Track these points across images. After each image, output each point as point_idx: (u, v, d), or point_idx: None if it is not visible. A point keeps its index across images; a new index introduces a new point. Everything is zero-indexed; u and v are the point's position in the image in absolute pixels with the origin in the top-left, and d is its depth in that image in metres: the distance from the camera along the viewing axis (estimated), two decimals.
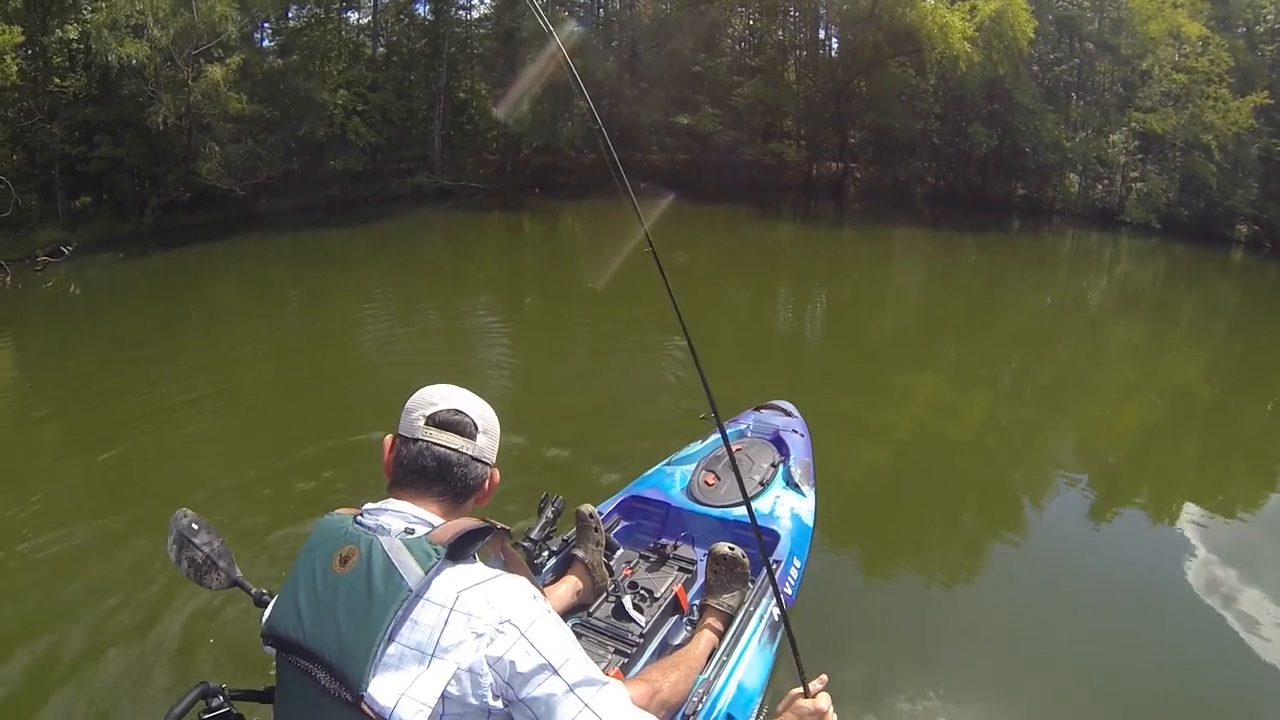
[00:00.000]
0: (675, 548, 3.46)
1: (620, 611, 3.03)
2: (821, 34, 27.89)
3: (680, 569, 3.35)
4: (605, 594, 3.16)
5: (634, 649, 2.90)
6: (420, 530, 1.58)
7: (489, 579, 1.54)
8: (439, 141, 23.00)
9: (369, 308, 11.37)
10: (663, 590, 3.19)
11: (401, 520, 1.60)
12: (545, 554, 3.25)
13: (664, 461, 4.28)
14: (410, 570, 1.48)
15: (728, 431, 4.19)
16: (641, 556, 3.46)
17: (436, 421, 1.69)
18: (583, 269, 14.70)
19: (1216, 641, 4.30)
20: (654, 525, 3.84)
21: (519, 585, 1.56)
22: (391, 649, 1.45)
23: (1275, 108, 22.72)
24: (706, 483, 3.94)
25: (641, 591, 3.15)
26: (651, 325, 10.05)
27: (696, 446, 4.42)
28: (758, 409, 4.92)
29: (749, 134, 25.54)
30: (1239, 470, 7.16)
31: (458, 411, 1.71)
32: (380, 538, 1.55)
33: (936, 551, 5.15)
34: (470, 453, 1.69)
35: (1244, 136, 22.87)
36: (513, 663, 1.44)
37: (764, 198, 23.52)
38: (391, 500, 1.67)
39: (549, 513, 3.26)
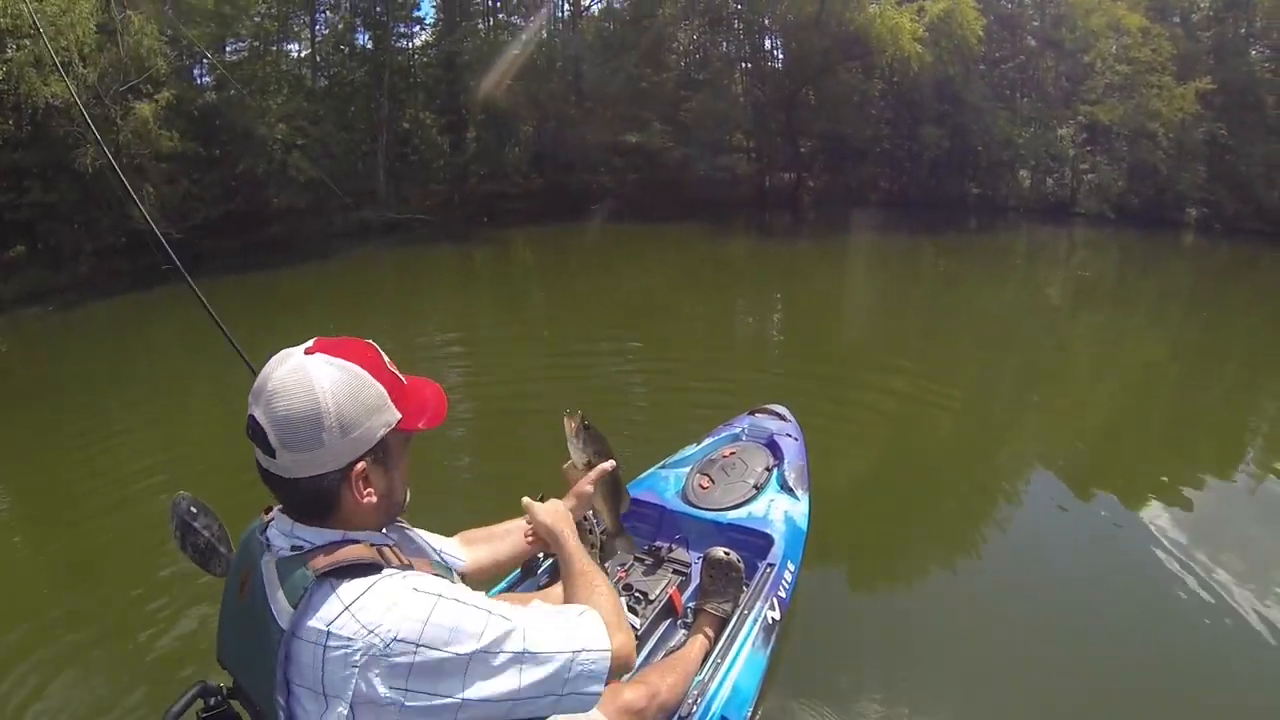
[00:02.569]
0: (670, 550, 3.48)
1: None
2: (768, 44, 27.87)
3: (675, 572, 3.36)
4: None
5: None
6: (305, 547, 1.43)
7: (360, 594, 1.35)
8: (383, 174, 22.43)
9: None
10: (657, 593, 3.20)
11: (282, 536, 1.46)
12: (540, 556, 3.14)
13: (658, 465, 4.32)
14: (281, 607, 1.36)
15: (721, 435, 4.59)
16: (636, 559, 3.44)
17: (247, 426, 1.42)
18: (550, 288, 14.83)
19: (1205, 626, 4.29)
20: (648, 528, 3.83)
21: (394, 587, 1.38)
22: (294, 690, 1.34)
23: (1217, 92, 23.35)
24: (701, 486, 3.98)
25: (636, 594, 3.17)
26: (640, 336, 10.53)
27: (691, 449, 4.46)
28: (752, 413, 4.89)
29: (699, 149, 25.21)
30: (1207, 448, 7.29)
31: (251, 418, 1.40)
32: (264, 559, 1.45)
33: (933, 552, 5.11)
34: (277, 472, 1.43)
35: (1188, 122, 23.46)
36: (426, 674, 1.33)
37: (718, 213, 23.31)
38: (278, 511, 1.51)
39: None
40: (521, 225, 22.02)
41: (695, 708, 2.59)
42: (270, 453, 1.39)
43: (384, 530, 1.58)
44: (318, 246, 18.45)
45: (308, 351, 1.43)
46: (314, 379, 1.38)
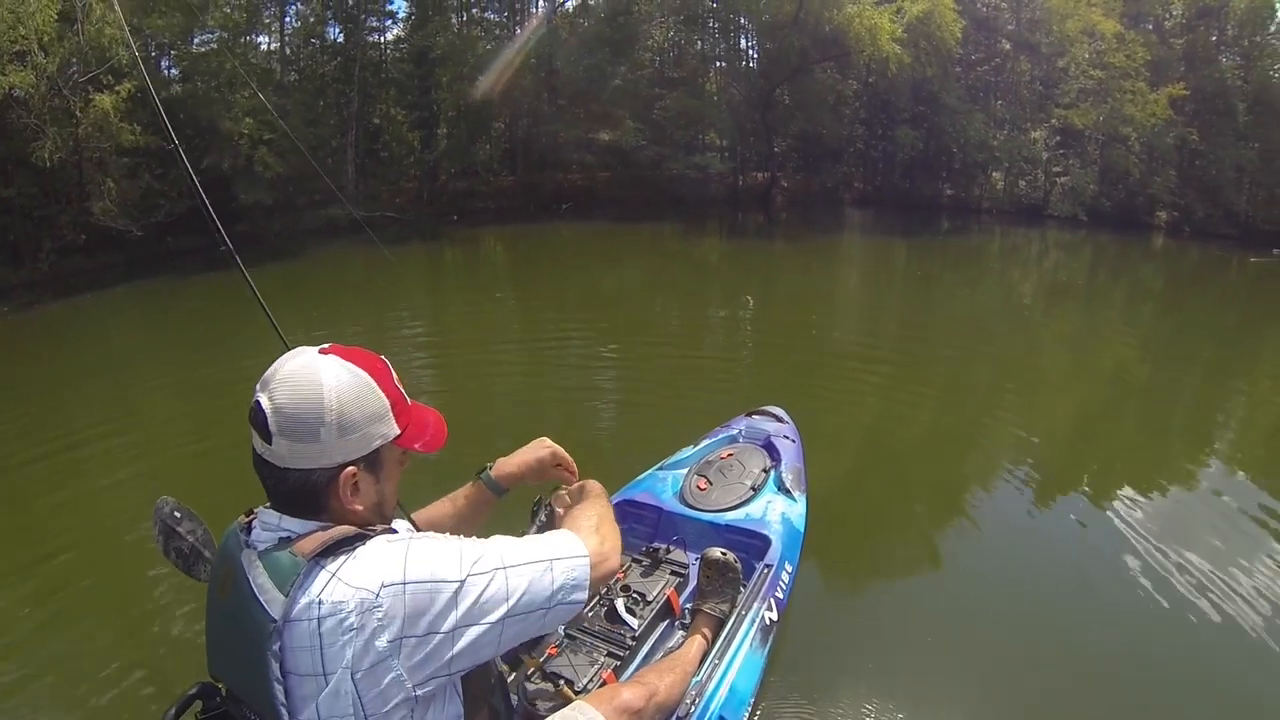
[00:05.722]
0: (668, 552, 3.41)
1: (613, 615, 3.02)
2: (743, 43, 27.82)
3: (672, 573, 3.31)
4: (598, 597, 3.15)
5: (627, 652, 2.89)
6: (292, 538, 1.43)
7: (344, 560, 1.38)
8: (352, 170, 22.05)
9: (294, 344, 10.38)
10: (655, 594, 3.16)
11: (268, 532, 1.47)
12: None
13: (656, 466, 4.29)
14: (271, 596, 1.36)
15: (719, 437, 4.61)
16: (634, 560, 3.40)
17: (250, 410, 1.45)
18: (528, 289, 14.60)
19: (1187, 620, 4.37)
20: (646, 529, 3.81)
21: (370, 547, 1.41)
22: (292, 682, 1.34)
23: (1188, 98, 23.98)
24: (698, 487, 3.96)
25: (634, 595, 3.15)
26: (638, 334, 10.59)
27: (688, 451, 4.45)
28: (749, 414, 4.89)
29: (672, 148, 25.17)
30: (1175, 445, 7.49)
31: (256, 404, 1.44)
32: (244, 554, 1.44)
33: (929, 553, 5.14)
34: (270, 459, 1.45)
35: (1159, 127, 23.97)
36: (418, 612, 1.36)
37: (690, 212, 23.31)
38: (263, 509, 1.51)
39: (542, 516, 2.92)
40: (492, 224, 21.83)
41: (693, 708, 2.60)
42: (267, 439, 1.42)
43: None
44: (286, 245, 18.02)
45: (322, 352, 1.48)
46: (323, 376, 1.43)
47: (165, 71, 19.18)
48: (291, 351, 1.48)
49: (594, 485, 2.19)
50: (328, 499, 1.47)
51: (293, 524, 1.45)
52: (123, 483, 6.04)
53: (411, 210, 22.25)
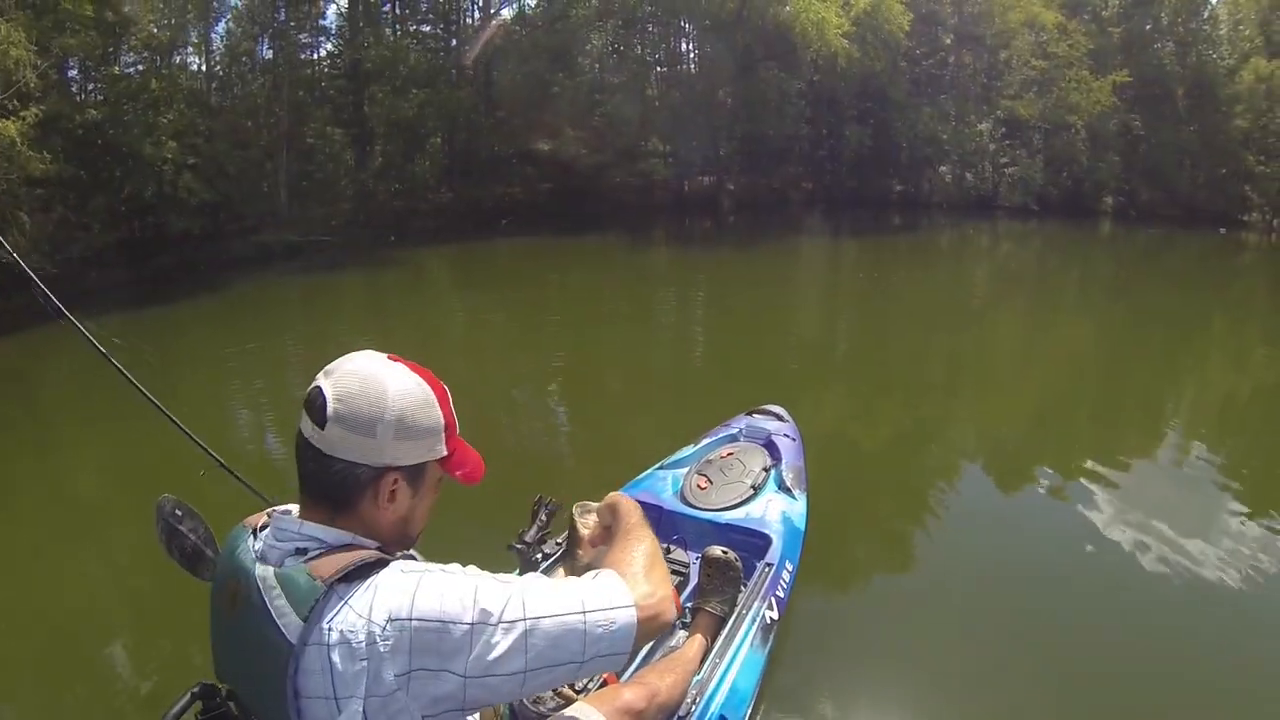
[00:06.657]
0: (668, 551, 3.42)
1: None
2: (684, 46, 27.52)
3: (673, 572, 3.26)
4: None
5: None
6: (311, 549, 1.36)
7: (358, 586, 1.30)
8: (285, 193, 21.06)
9: (236, 385, 9.66)
10: None
11: (285, 542, 1.39)
12: (539, 556, 3.13)
13: (656, 465, 4.36)
14: (289, 621, 1.28)
15: (719, 435, 4.72)
16: None
17: (308, 395, 1.39)
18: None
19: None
20: None
21: (385, 574, 1.32)
22: (303, 703, 1.28)
23: (1131, 85, 24.86)
24: (699, 486, 4.02)
25: None
26: (640, 335, 11.08)
27: (689, 450, 4.52)
28: (749, 413, 4.96)
29: (614, 155, 24.75)
30: (1186, 432, 7.78)
31: (316, 388, 1.37)
32: (258, 569, 1.36)
33: (929, 550, 5.23)
34: (318, 445, 1.36)
35: (1103, 114, 24.80)
36: (425, 650, 1.26)
37: (636, 221, 23.00)
38: (286, 511, 1.46)
39: (542, 515, 3.10)
40: (431, 243, 20.95)
41: (694, 707, 2.60)
42: (321, 423, 1.35)
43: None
44: (215, 275, 16.97)
45: (391, 358, 1.44)
46: (391, 376, 1.39)
47: (91, 93, 18.06)
48: (355, 352, 1.44)
49: (629, 506, 1.85)
50: (362, 499, 1.39)
51: (314, 529, 1.38)
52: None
53: (346, 233, 21.20)
